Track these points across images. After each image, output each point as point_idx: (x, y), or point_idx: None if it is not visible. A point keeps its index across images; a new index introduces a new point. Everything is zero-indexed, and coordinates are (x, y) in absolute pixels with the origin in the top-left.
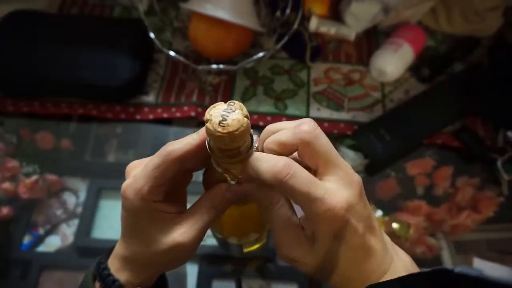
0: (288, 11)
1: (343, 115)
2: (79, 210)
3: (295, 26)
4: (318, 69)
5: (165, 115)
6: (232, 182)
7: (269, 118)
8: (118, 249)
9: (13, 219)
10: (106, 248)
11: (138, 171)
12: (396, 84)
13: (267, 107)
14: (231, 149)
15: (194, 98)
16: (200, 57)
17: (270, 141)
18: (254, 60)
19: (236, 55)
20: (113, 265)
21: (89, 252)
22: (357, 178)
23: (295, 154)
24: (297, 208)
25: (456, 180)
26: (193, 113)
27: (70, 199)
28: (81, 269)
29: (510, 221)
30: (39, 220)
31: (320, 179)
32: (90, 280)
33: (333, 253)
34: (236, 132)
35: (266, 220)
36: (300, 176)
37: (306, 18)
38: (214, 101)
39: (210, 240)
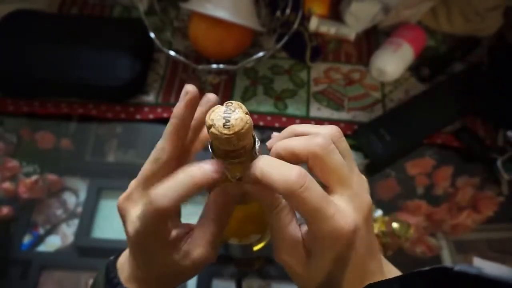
0: (288, 11)
1: (343, 115)
2: (79, 210)
3: (295, 26)
4: (318, 69)
5: (165, 115)
6: (233, 180)
7: (269, 118)
8: (130, 271)
9: (13, 219)
10: (106, 248)
11: (159, 190)
12: (396, 84)
13: (267, 107)
14: (237, 149)
15: None
16: (200, 57)
17: (280, 146)
18: (254, 60)
19: (236, 55)
20: (123, 274)
21: (89, 252)
22: (367, 201)
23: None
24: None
25: (456, 180)
26: None
27: (70, 199)
28: (81, 269)
29: (510, 221)
30: (39, 220)
31: (329, 195)
32: (101, 285)
33: (329, 272)
34: (243, 131)
35: (267, 220)
36: (314, 190)
37: (306, 18)
38: None
39: None
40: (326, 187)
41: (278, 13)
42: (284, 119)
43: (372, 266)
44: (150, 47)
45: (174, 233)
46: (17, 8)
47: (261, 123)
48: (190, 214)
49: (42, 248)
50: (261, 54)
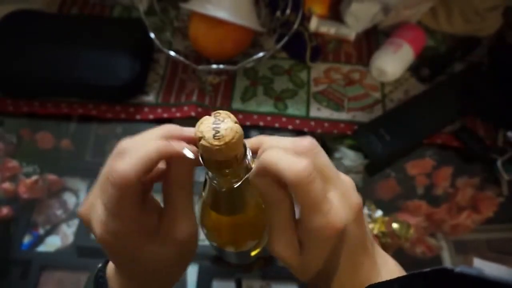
0: (288, 11)
1: (343, 115)
2: None
3: (295, 26)
4: (318, 69)
5: (165, 115)
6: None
7: (269, 118)
8: (119, 283)
9: (13, 219)
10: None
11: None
12: (396, 84)
13: (267, 107)
14: (228, 160)
15: (194, 98)
16: (200, 57)
17: (267, 162)
18: (254, 60)
19: (236, 55)
20: (111, 280)
21: (89, 252)
22: (356, 199)
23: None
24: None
25: (456, 180)
26: (193, 113)
27: (70, 199)
28: (81, 269)
29: (510, 221)
30: (39, 220)
31: None
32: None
33: (322, 263)
34: (233, 140)
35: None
36: (318, 184)
37: (306, 18)
38: (214, 101)
39: None
40: None
41: (278, 13)
42: (284, 119)
43: (364, 258)
44: (150, 47)
45: (145, 217)
46: (17, 8)
47: (261, 123)
48: None
49: (42, 248)
50: (261, 54)
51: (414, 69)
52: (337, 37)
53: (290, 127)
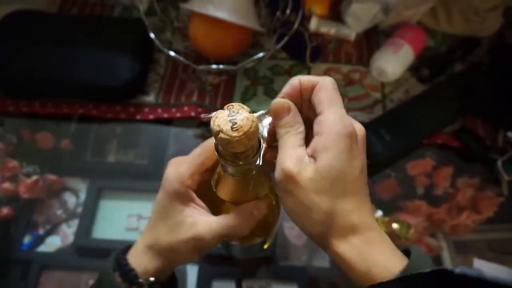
0: (288, 11)
1: None
2: (79, 210)
3: (295, 26)
4: (318, 69)
5: (165, 115)
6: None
7: None
8: (141, 238)
9: (13, 219)
10: (107, 249)
11: (181, 160)
12: (396, 84)
13: (267, 107)
14: (246, 150)
15: (194, 98)
16: (200, 57)
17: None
18: (254, 60)
19: (236, 55)
20: (132, 256)
21: (89, 252)
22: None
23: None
24: None
25: (456, 180)
26: (193, 113)
27: (70, 199)
28: (81, 269)
29: (510, 221)
30: (39, 220)
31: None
32: (110, 269)
33: (336, 166)
34: (251, 129)
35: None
36: (339, 92)
37: (306, 18)
38: (214, 101)
39: None
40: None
41: (278, 13)
42: None
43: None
44: (150, 47)
45: (197, 201)
46: (17, 8)
47: None
48: None
49: (42, 248)
50: (261, 54)
51: (414, 69)
52: (337, 37)
53: None
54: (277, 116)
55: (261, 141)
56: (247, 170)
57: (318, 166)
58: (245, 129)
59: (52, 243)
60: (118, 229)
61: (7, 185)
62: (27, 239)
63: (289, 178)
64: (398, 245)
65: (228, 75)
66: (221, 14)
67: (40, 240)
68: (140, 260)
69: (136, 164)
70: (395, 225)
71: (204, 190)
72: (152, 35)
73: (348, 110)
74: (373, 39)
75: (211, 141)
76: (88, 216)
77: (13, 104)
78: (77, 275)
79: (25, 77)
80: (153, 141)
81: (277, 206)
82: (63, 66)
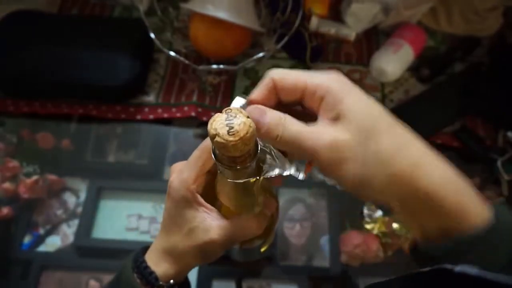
0: (288, 11)
1: None
2: (79, 210)
3: (295, 26)
4: (318, 69)
5: (165, 115)
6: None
7: None
8: (157, 243)
9: (13, 219)
10: (107, 248)
11: (182, 166)
12: (396, 84)
13: None
14: (243, 155)
15: (194, 98)
16: (200, 57)
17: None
18: (254, 60)
19: (236, 55)
20: (150, 259)
21: (89, 252)
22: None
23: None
24: None
25: None
26: (193, 113)
27: (70, 199)
28: (81, 269)
29: None
30: (40, 220)
31: None
32: (129, 271)
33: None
34: (248, 135)
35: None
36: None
37: (306, 18)
38: (214, 101)
39: None
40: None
41: (278, 13)
42: None
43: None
44: (150, 47)
45: (206, 205)
46: (17, 8)
47: None
48: None
49: (42, 248)
50: (261, 54)
51: (414, 69)
52: (337, 37)
53: None
54: (259, 130)
55: (259, 146)
56: (244, 174)
57: (342, 120)
58: (241, 134)
59: (52, 243)
60: (118, 229)
61: (7, 185)
62: (27, 239)
63: (333, 149)
64: (398, 245)
65: (228, 75)
66: (221, 14)
67: (40, 240)
68: (159, 264)
69: (136, 164)
70: (395, 225)
71: (209, 190)
72: (152, 35)
73: None
74: (373, 39)
75: (209, 141)
76: (88, 216)
77: (13, 104)
78: (77, 275)
79: (25, 77)
80: (153, 141)
81: (276, 208)
82: (63, 66)
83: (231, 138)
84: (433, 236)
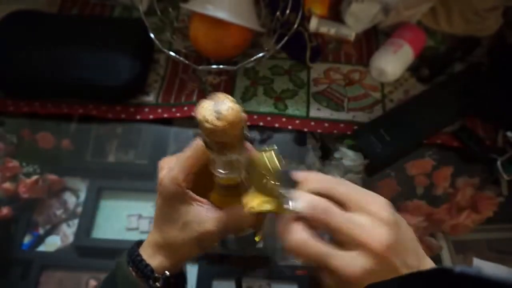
0: (288, 11)
1: (343, 115)
2: (79, 210)
3: (295, 26)
4: (318, 69)
5: (165, 115)
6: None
7: (269, 119)
8: (151, 238)
9: (13, 219)
10: (107, 248)
11: (172, 163)
12: (396, 84)
13: (267, 107)
14: (231, 140)
15: (194, 98)
16: (200, 57)
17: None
18: (254, 60)
19: (236, 55)
20: (145, 252)
21: (89, 252)
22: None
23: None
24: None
25: (456, 180)
26: (193, 113)
27: (70, 199)
28: (81, 269)
29: (510, 221)
30: (39, 220)
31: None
32: (125, 265)
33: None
34: (236, 119)
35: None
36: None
37: (306, 18)
38: None
39: None
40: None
41: (278, 13)
42: (284, 119)
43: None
44: (150, 47)
45: (197, 198)
46: (17, 8)
47: (261, 123)
48: None
49: (42, 248)
50: (261, 54)
51: (414, 69)
52: (337, 37)
53: (290, 127)
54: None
55: (246, 132)
56: (235, 162)
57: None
58: (229, 118)
59: (52, 243)
60: (118, 229)
61: (7, 185)
62: (27, 239)
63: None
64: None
65: (228, 75)
66: (221, 14)
67: (40, 240)
68: (153, 257)
69: (136, 164)
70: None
71: (199, 183)
72: (152, 35)
73: (348, 110)
74: (373, 39)
75: (200, 141)
76: (88, 216)
77: (13, 104)
78: (77, 275)
79: (25, 77)
80: (153, 141)
81: None
82: (63, 66)
83: (219, 123)
84: None
